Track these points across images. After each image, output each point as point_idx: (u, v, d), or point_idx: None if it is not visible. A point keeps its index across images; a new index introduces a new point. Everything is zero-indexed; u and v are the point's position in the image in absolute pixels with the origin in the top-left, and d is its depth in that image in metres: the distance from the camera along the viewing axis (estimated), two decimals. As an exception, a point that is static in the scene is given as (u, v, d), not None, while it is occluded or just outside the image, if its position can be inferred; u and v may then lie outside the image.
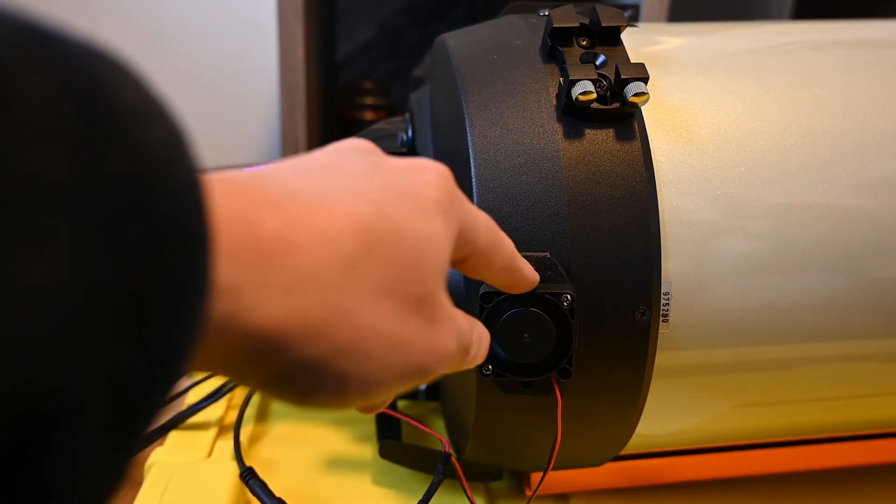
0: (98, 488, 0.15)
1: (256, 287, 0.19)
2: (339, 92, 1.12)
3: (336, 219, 0.21)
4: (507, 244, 0.30)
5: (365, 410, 0.27)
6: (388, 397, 0.24)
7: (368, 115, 1.00)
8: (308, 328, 0.20)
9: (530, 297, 0.35)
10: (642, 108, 0.39)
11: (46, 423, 0.13)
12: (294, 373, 0.20)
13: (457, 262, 0.28)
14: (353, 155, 0.24)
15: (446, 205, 0.25)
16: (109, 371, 0.14)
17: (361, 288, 0.21)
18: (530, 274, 0.33)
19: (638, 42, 0.43)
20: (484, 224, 0.28)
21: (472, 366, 0.29)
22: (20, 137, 0.13)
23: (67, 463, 0.14)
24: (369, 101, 1.00)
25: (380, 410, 0.28)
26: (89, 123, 0.14)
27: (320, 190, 0.21)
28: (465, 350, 0.27)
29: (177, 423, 0.50)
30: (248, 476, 0.43)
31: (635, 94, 0.36)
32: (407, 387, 0.23)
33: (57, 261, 0.13)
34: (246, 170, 0.21)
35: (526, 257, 0.36)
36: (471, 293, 0.38)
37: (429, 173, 0.25)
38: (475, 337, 0.28)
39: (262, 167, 0.22)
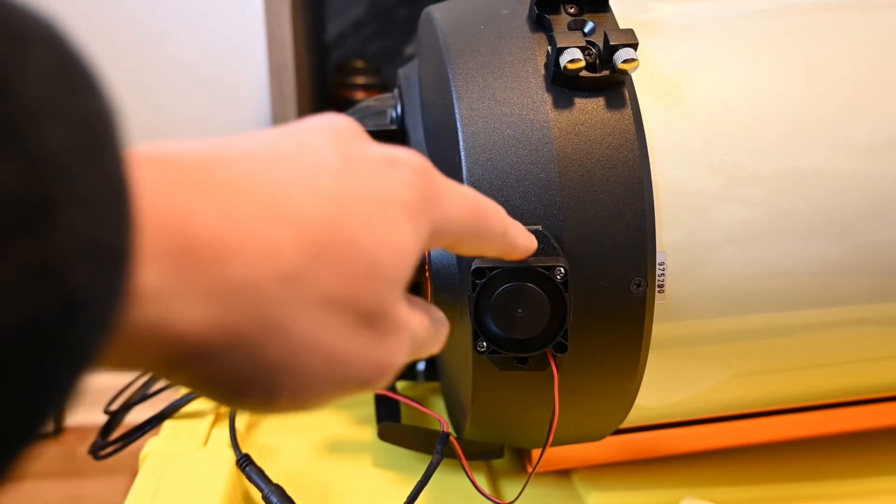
0: None
1: (182, 293, 0.17)
2: (331, 72, 1.10)
3: (282, 225, 0.19)
4: (496, 223, 0.28)
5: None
6: (328, 403, 0.23)
7: (360, 95, 0.99)
8: (236, 341, 0.18)
9: (523, 271, 0.34)
10: (633, 75, 0.38)
11: None
12: (220, 381, 0.19)
13: (441, 246, 0.26)
14: (324, 141, 0.22)
15: (419, 206, 0.23)
16: None
17: (301, 302, 0.19)
18: (524, 243, 0.31)
19: (627, 9, 0.42)
20: (465, 214, 0.25)
21: (432, 353, 0.27)
22: None
23: None
24: (361, 80, 0.99)
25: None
26: None
27: (273, 185, 0.20)
28: (419, 348, 0.25)
29: (171, 412, 0.49)
30: (245, 463, 0.43)
31: (625, 61, 0.35)
32: (348, 395, 0.22)
33: None
34: (201, 143, 0.19)
35: (517, 231, 0.35)
36: (464, 269, 0.38)
37: (403, 170, 0.23)
38: (432, 329, 0.26)
39: (221, 142, 0.20)
